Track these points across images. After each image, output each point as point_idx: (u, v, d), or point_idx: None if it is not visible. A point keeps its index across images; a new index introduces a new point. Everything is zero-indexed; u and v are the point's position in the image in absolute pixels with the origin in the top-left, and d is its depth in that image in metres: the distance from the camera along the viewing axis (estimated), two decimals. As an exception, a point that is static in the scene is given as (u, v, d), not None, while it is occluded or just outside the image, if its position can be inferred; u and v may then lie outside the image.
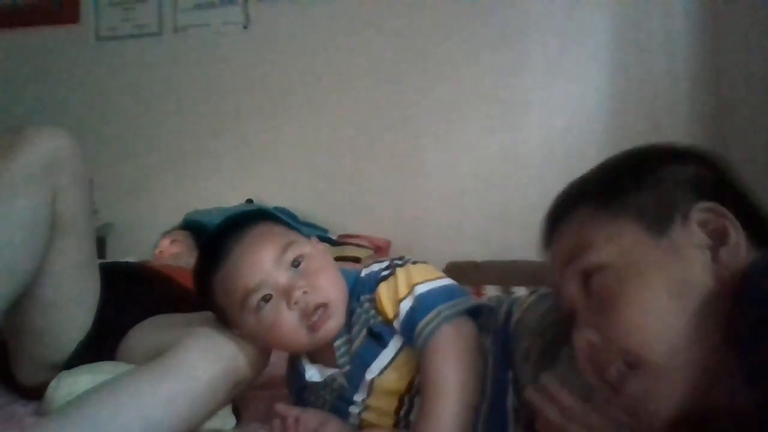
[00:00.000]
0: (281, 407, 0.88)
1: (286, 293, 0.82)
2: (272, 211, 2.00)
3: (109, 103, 2.62)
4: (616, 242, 0.60)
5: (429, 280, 0.86)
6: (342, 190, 2.45)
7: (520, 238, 2.24)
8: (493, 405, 0.79)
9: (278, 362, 0.99)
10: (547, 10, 2.32)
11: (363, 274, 0.90)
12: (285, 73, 2.50)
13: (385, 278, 0.87)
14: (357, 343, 0.85)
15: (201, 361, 0.85)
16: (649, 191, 0.61)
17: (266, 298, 0.83)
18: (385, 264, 0.90)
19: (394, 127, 2.41)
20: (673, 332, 0.56)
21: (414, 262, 0.90)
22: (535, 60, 2.33)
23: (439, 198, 2.37)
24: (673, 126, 2.21)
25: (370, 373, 0.84)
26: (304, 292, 0.82)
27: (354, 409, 0.87)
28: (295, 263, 0.85)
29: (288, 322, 0.83)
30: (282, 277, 0.83)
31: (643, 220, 0.60)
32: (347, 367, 0.86)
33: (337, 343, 0.86)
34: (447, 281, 0.88)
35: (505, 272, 2.01)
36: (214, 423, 0.92)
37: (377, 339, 0.85)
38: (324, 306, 0.84)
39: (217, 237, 0.89)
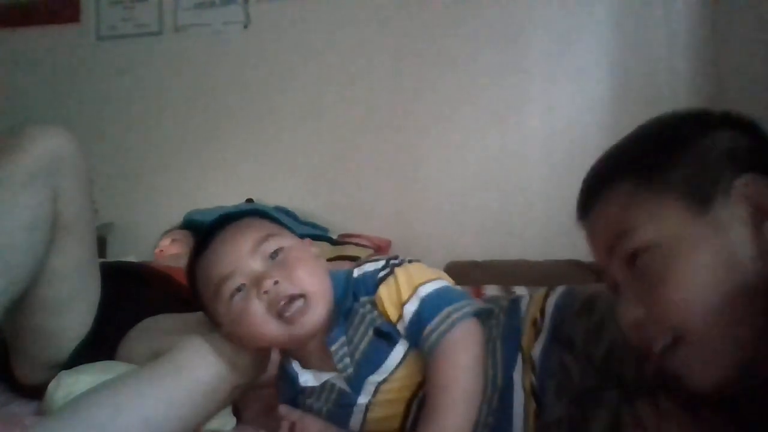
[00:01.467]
0: (284, 409, 0.87)
1: (257, 282, 0.81)
2: (268, 209, 1.99)
3: (110, 103, 2.62)
4: (659, 221, 0.60)
5: (430, 280, 0.84)
6: (342, 190, 2.45)
7: (521, 238, 2.27)
8: (504, 379, 0.79)
9: (278, 361, 0.99)
10: (547, 9, 2.32)
11: (356, 273, 0.88)
12: (285, 73, 2.49)
13: (384, 279, 0.84)
14: (363, 344, 0.83)
15: (201, 363, 0.85)
16: (689, 165, 0.61)
17: (239, 288, 0.82)
18: (381, 264, 0.87)
19: (395, 126, 2.41)
20: (717, 308, 0.57)
21: (409, 261, 0.88)
22: (535, 59, 2.33)
23: (439, 197, 2.37)
24: (674, 126, 2.21)
25: (379, 375, 0.82)
26: (276, 282, 0.80)
27: (357, 410, 0.84)
28: (273, 255, 0.83)
29: (255, 311, 0.81)
30: (256, 265, 0.82)
31: (684, 196, 0.60)
32: (349, 371, 0.83)
33: (335, 347, 0.83)
34: (446, 281, 0.86)
35: (506, 272, 2.01)
36: (214, 423, 0.92)
37: (387, 339, 0.82)
38: (302, 297, 0.81)
39: (204, 234, 0.89)
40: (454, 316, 0.80)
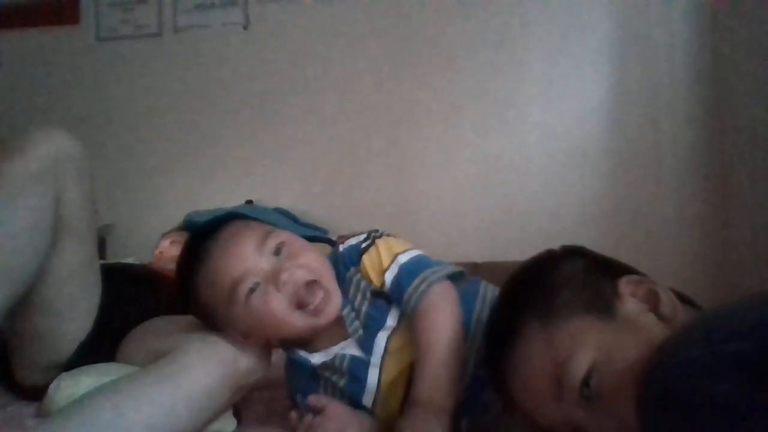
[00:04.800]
0: (313, 398, 0.86)
1: (273, 277, 0.83)
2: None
3: (109, 104, 2.62)
4: (585, 340, 0.62)
5: (408, 250, 0.90)
6: (342, 191, 2.45)
7: (520, 239, 2.27)
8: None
9: (279, 363, 0.99)
10: (547, 9, 2.32)
11: (342, 248, 0.93)
12: (285, 74, 2.50)
13: (366, 249, 0.90)
14: (365, 307, 0.87)
15: (202, 366, 0.85)
16: (570, 289, 0.66)
17: (253, 288, 0.83)
18: (363, 236, 0.93)
19: (394, 127, 2.41)
20: None
21: (389, 235, 0.94)
22: (534, 60, 2.33)
23: (438, 199, 2.38)
24: (673, 126, 2.21)
25: (385, 331, 0.86)
26: (290, 273, 0.83)
27: (372, 374, 0.86)
28: (277, 250, 0.85)
29: (279, 305, 0.83)
30: (266, 263, 0.84)
31: (588, 312, 0.64)
32: (360, 332, 0.87)
33: (344, 312, 0.88)
34: (420, 252, 0.91)
35: (505, 273, 2.01)
36: (215, 425, 0.92)
37: (384, 298, 0.88)
38: (316, 283, 0.84)
39: (194, 241, 0.89)
40: (431, 278, 0.85)
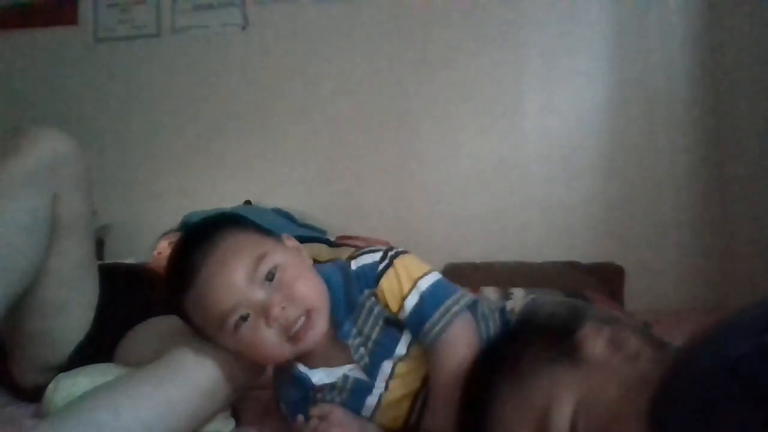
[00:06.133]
0: (315, 410, 0.85)
1: (264, 311, 0.79)
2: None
3: (108, 105, 2.62)
4: (561, 389, 0.62)
5: (426, 274, 0.87)
6: (341, 192, 2.45)
7: (518, 240, 2.27)
8: None
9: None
10: (545, 11, 2.32)
11: (354, 266, 0.88)
12: (283, 75, 2.50)
13: (384, 272, 0.86)
14: (375, 334, 0.85)
15: (200, 366, 0.85)
16: (533, 348, 0.67)
17: (243, 317, 0.80)
18: (379, 255, 0.88)
19: (393, 128, 2.42)
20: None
21: (404, 252, 0.90)
22: (533, 61, 2.34)
23: (437, 199, 2.38)
24: (671, 127, 2.22)
25: (394, 358, 0.85)
26: (282, 308, 0.80)
27: (374, 393, 0.85)
28: (270, 276, 0.81)
29: (268, 340, 0.80)
30: (257, 294, 0.80)
31: (556, 362, 0.65)
32: (365, 360, 0.85)
33: (350, 341, 0.85)
34: (439, 274, 0.89)
35: (504, 273, 2.01)
36: (212, 426, 0.92)
37: (397, 325, 0.86)
38: (306, 313, 0.81)
39: (183, 252, 0.84)
40: (453, 309, 0.84)
